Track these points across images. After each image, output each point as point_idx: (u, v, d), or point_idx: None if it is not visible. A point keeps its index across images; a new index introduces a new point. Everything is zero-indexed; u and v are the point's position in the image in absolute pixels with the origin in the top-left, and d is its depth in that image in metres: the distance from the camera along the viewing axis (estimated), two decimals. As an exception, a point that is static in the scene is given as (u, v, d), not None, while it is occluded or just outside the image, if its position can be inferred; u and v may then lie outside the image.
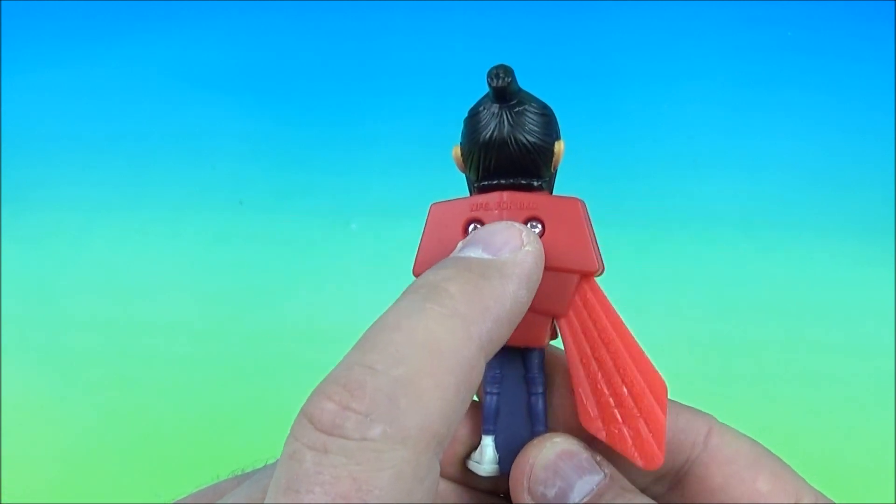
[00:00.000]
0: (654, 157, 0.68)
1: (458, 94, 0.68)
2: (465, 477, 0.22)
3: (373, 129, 0.71)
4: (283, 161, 0.72)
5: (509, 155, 0.21)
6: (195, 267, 0.69)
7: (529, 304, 0.19)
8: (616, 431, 0.20)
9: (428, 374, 0.15)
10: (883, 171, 0.66)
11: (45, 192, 0.72)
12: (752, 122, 0.69)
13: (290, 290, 0.67)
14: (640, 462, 0.19)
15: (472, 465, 0.21)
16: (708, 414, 0.22)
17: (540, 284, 0.20)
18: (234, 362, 0.65)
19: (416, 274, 0.22)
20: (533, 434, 0.21)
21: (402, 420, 0.15)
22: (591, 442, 0.21)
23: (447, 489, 0.22)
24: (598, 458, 0.20)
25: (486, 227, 0.20)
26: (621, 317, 0.21)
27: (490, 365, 0.22)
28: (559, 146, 0.21)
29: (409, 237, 0.23)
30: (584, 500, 0.19)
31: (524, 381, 0.21)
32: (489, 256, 0.18)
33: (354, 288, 0.66)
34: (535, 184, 0.21)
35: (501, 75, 0.20)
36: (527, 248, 0.19)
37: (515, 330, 0.21)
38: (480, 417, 0.22)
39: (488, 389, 0.22)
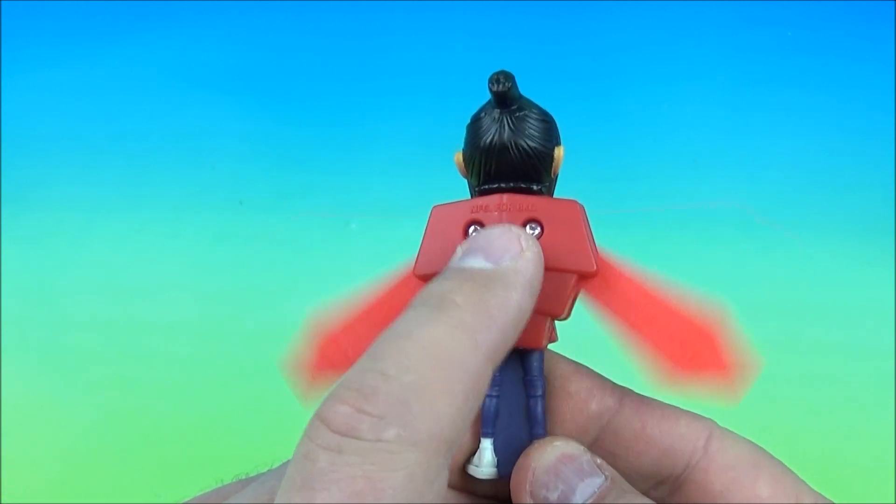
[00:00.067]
0: (654, 157, 0.68)
1: (458, 94, 0.68)
2: (464, 482, 0.22)
3: (373, 129, 0.71)
4: (283, 161, 0.72)
5: (510, 160, 0.21)
6: (195, 267, 0.69)
7: (532, 308, 0.19)
8: (701, 367, 0.20)
9: (438, 381, 0.16)
10: (883, 171, 0.66)
11: (45, 192, 0.72)
12: (752, 122, 0.69)
13: (290, 290, 0.67)
14: (731, 388, 0.19)
15: (471, 469, 0.21)
16: (708, 418, 0.22)
17: None
18: (234, 362, 0.65)
19: (417, 274, 0.22)
20: (532, 437, 0.21)
21: (415, 424, 0.15)
22: (590, 445, 0.21)
23: (447, 495, 0.22)
24: (599, 461, 0.20)
25: (484, 232, 0.20)
26: (638, 270, 0.21)
27: None
28: (559, 152, 0.22)
29: (409, 237, 0.23)
30: (587, 503, 0.19)
31: (523, 384, 0.21)
32: (490, 266, 0.19)
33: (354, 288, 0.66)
34: (535, 188, 0.22)
35: (502, 80, 0.20)
36: (526, 253, 0.19)
37: None
38: (479, 420, 0.22)
39: (487, 392, 0.22)
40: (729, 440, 0.21)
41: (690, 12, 0.72)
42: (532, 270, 0.19)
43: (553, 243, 0.21)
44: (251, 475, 0.22)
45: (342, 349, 0.23)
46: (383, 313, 0.22)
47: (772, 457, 0.21)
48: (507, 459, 0.21)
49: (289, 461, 0.16)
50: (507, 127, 0.21)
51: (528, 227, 0.21)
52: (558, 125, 0.22)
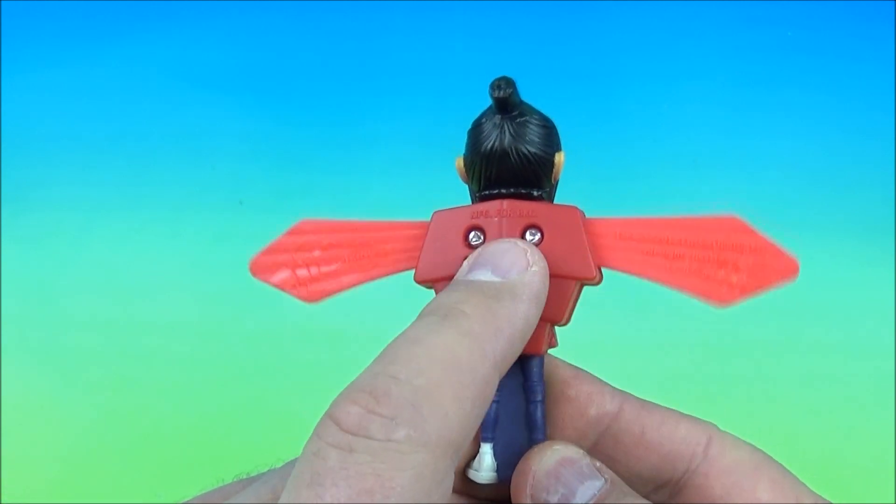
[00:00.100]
0: (654, 157, 0.68)
1: (458, 94, 0.68)
2: (464, 486, 0.22)
3: (373, 129, 0.71)
4: (283, 161, 0.72)
5: (510, 165, 0.21)
6: (195, 267, 0.69)
7: (538, 319, 0.20)
8: (742, 280, 0.20)
9: (448, 385, 0.16)
10: (883, 171, 0.66)
11: (45, 192, 0.72)
12: (752, 122, 0.69)
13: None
14: (783, 279, 0.19)
15: (471, 473, 0.21)
16: (708, 422, 0.22)
17: None
18: (234, 362, 0.65)
19: (418, 280, 0.22)
20: (532, 442, 0.21)
21: (425, 426, 0.16)
22: (590, 450, 0.21)
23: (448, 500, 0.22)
24: (599, 465, 0.20)
25: (492, 247, 0.20)
26: (638, 218, 0.21)
27: None
28: (559, 157, 0.22)
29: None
30: None
31: (523, 390, 0.22)
32: (499, 279, 0.19)
33: (354, 288, 0.66)
34: (536, 194, 0.22)
35: (503, 86, 0.20)
36: (533, 268, 0.20)
37: None
38: (479, 425, 0.22)
39: None
40: (729, 444, 0.21)
41: (690, 12, 0.72)
42: (538, 284, 0.19)
43: (553, 249, 0.21)
44: (252, 475, 0.22)
45: (311, 261, 0.23)
46: (368, 250, 0.23)
47: (772, 460, 0.21)
48: (507, 464, 0.21)
49: (292, 461, 0.16)
50: (507, 133, 0.21)
51: (528, 233, 0.21)
52: (559, 126, 0.22)
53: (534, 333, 0.20)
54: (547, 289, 0.20)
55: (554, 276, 0.21)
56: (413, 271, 0.22)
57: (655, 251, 0.21)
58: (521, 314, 0.19)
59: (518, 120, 0.21)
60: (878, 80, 0.68)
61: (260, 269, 0.24)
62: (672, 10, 0.72)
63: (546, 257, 0.20)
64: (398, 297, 0.23)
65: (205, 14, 0.77)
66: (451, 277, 0.21)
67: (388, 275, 0.23)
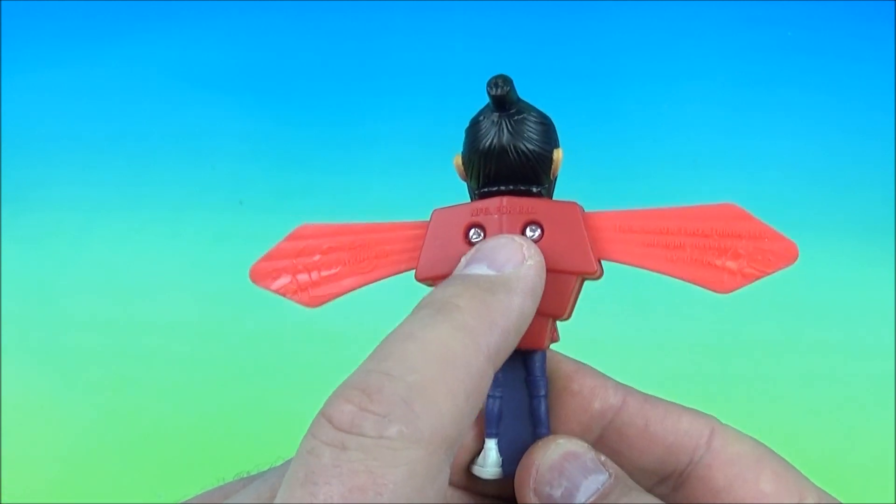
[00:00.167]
0: (654, 157, 0.68)
1: (458, 94, 0.68)
2: (469, 482, 0.22)
3: (373, 129, 0.71)
4: (283, 161, 0.72)
5: (509, 163, 0.21)
6: (195, 267, 0.69)
7: (534, 313, 0.19)
8: (743, 266, 0.20)
9: (441, 381, 0.16)
10: (883, 171, 0.66)
11: (45, 192, 0.72)
12: (752, 122, 0.69)
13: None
14: (782, 264, 0.20)
15: (476, 469, 0.21)
16: (710, 415, 0.22)
17: None
18: (234, 362, 0.65)
19: (419, 278, 0.22)
20: (536, 437, 0.21)
21: (417, 422, 0.16)
22: (594, 443, 0.21)
23: (452, 495, 0.22)
24: (603, 459, 0.20)
25: (489, 242, 0.20)
26: (636, 210, 0.21)
27: None
28: (558, 154, 0.22)
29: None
30: (590, 500, 0.19)
31: (526, 385, 0.22)
32: (494, 273, 0.19)
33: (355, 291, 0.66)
34: (535, 190, 0.22)
35: (500, 84, 0.20)
36: (529, 262, 0.20)
37: None
38: (483, 421, 0.22)
39: (490, 393, 0.22)
40: (731, 436, 0.21)
41: (690, 12, 0.72)
42: (534, 278, 0.19)
43: (553, 245, 0.21)
44: (253, 473, 0.23)
45: (311, 266, 0.23)
46: (368, 252, 0.23)
47: (774, 453, 0.21)
48: (512, 459, 0.21)
49: (291, 459, 0.16)
50: (505, 130, 0.21)
51: (528, 230, 0.21)
52: (558, 126, 0.22)
53: (535, 328, 0.21)
54: (543, 283, 0.20)
55: (555, 272, 0.21)
56: (414, 271, 0.22)
57: (655, 242, 0.21)
58: (516, 307, 0.19)
59: (516, 117, 0.21)
60: (878, 80, 0.68)
61: (260, 275, 0.24)
62: (672, 10, 0.72)
63: (546, 253, 0.21)
64: (399, 296, 0.23)
65: (205, 14, 0.77)
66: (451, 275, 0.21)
67: (388, 276, 0.23)
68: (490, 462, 0.21)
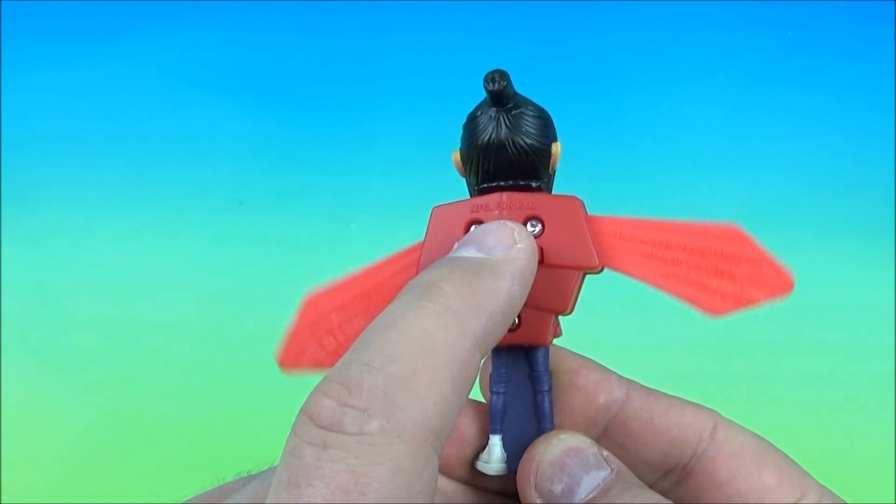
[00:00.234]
0: (654, 157, 0.68)
1: (457, 94, 0.68)
2: (474, 478, 0.22)
3: (373, 129, 0.71)
4: (283, 161, 0.72)
5: (508, 157, 0.21)
6: (195, 267, 0.69)
7: (524, 299, 0.19)
8: (737, 291, 0.20)
9: (423, 370, 0.16)
10: (883, 171, 0.66)
11: (45, 192, 0.72)
12: (752, 122, 0.69)
13: (290, 290, 0.67)
14: (776, 294, 0.20)
15: (481, 465, 0.21)
16: (712, 410, 0.22)
17: (542, 282, 0.20)
18: (234, 362, 0.65)
19: None
20: (540, 432, 0.21)
21: (399, 415, 0.15)
22: (598, 438, 0.21)
23: (457, 490, 0.22)
24: (605, 454, 0.20)
25: (480, 227, 0.20)
26: (641, 218, 0.21)
27: (495, 364, 0.22)
28: (556, 148, 0.22)
29: (409, 237, 0.23)
30: (591, 496, 0.19)
31: (530, 380, 0.22)
32: (482, 255, 0.19)
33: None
34: (534, 185, 0.22)
35: (497, 79, 0.20)
36: (519, 245, 0.19)
37: (519, 328, 0.21)
38: (487, 417, 0.22)
39: (494, 389, 0.22)
40: (734, 430, 0.21)
41: (690, 12, 0.72)
42: (524, 261, 0.19)
43: (554, 240, 0.21)
44: (252, 473, 0.23)
45: (332, 329, 0.23)
46: (380, 294, 0.22)
47: (777, 448, 0.21)
48: (516, 455, 0.21)
49: None
50: (503, 125, 0.21)
51: (528, 225, 0.21)
52: (558, 126, 0.22)
53: (538, 324, 0.20)
54: (534, 269, 0.19)
55: (556, 266, 0.21)
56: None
57: (654, 254, 0.21)
58: (504, 291, 0.18)
59: (513, 112, 0.21)
60: (878, 80, 0.68)
61: (288, 360, 0.23)
62: (672, 10, 0.72)
63: (547, 248, 0.20)
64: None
65: (205, 14, 0.77)
66: None
67: None
68: (495, 458, 0.21)
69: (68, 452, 0.63)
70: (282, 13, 0.75)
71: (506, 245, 0.19)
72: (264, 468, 0.22)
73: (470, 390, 0.17)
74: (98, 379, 0.66)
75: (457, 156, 0.22)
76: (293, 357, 0.23)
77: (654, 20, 0.72)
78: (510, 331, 0.21)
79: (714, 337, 0.62)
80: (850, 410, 0.60)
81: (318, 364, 0.23)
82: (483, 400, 0.22)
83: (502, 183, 0.22)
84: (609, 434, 0.22)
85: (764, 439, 0.21)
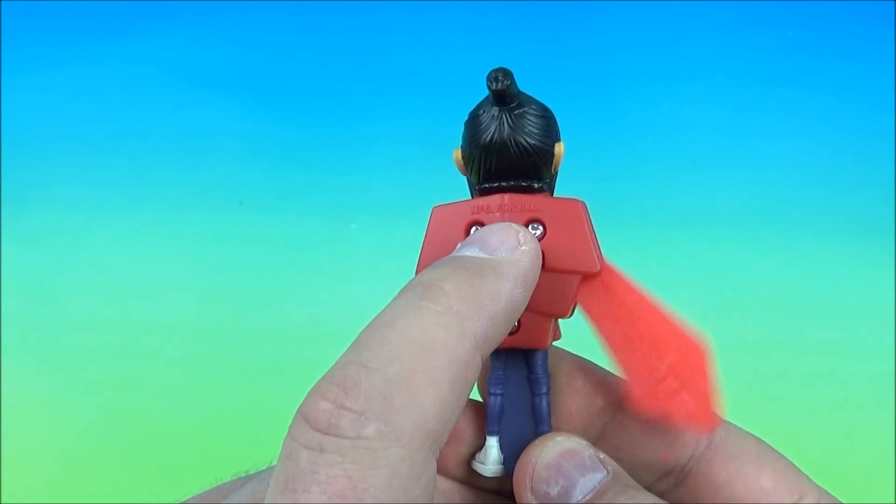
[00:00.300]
0: (654, 157, 0.68)
1: (458, 94, 0.68)
2: (470, 478, 0.22)
3: (373, 129, 0.71)
4: (283, 161, 0.72)
5: (510, 157, 0.21)
6: (195, 267, 0.69)
7: (526, 302, 0.19)
8: (668, 406, 0.20)
9: (422, 371, 0.15)
10: (883, 171, 0.66)
11: (45, 192, 0.72)
12: (752, 122, 0.69)
13: (289, 290, 0.67)
14: (698, 429, 0.19)
15: (477, 466, 0.21)
16: None
17: (542, 286, 0.20)
18: (234, 362, 0.65)
19: None
20: (537, 434, 0.21)
21: (397, 418, 0.15)
22: (596, 440, 0.21)
23: (453, 490, 0.22)
24: (602, 456, 0.20)
25: (484, 228, 0.20)
26: (643, 288, 0.21)
27: (494, 366, 0.22)
28: (559, 148, 0.22)
29: (409, 237, 0.23)
30: (587, 498, 0.19)
31: (528, 382, 0.22)
32: (485, 255, 0.19)
33: (354, 288, 0.66)
34: (536, 186, 0.22)
35: (500, 78, 0.20)
36: (523, 247, 0.19)
37: (519, 331, 0.21)
38: (485, 418, 0.22)
39: (492, 390, 0.22)
40: (733, 432, 0.21)
41: (690, 12, 0.72)
42: (527, 264, 0.19)
43: (556, 244, 0.21)
44: (251, 473, 0.22)
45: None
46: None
47: (775, 450, 0.21)
48: (513, 457, 0.21)
49: None
50: (506, 124, 0.21)
51: (530, 228, 0.21)
52: (559, 126, 0.22)
53: (539, 328, 0.20)
54: (537, 271, 0.19)
55: (557, 271, 0.20)
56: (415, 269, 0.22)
57: (621, 321, 0.20)
58: (507, 292, 0.18)
59: (516, 111, 0.21)
60: (878, 80, 0.68)
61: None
62: (672, 10, 0.72)
63: (549, 251, 0.20)
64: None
65: (205, 14, 0.77)
66: None
67: None
68: (491, 460, 0.21)
69: (68, 452, 0.63)
70: (282, 13, 0.75)
71: (510, 246, 0.19)
72: (263, 468, 0.22)
73: (469, 392, 0.17)
74: (98, 379, 0.66)
75: (458, 154, 0.22)
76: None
77: (654, 20, 0.72)
78: (510, 334, 0.21)
79: (714, 337, 0.62)
80: (850, 410, 0.60)
81: None
82: (481, 400, 0.22)
83: (504, 183, 0.21)
84: (606, 436, 0.22)
85: (762, 441, 0.21)
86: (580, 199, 0.21)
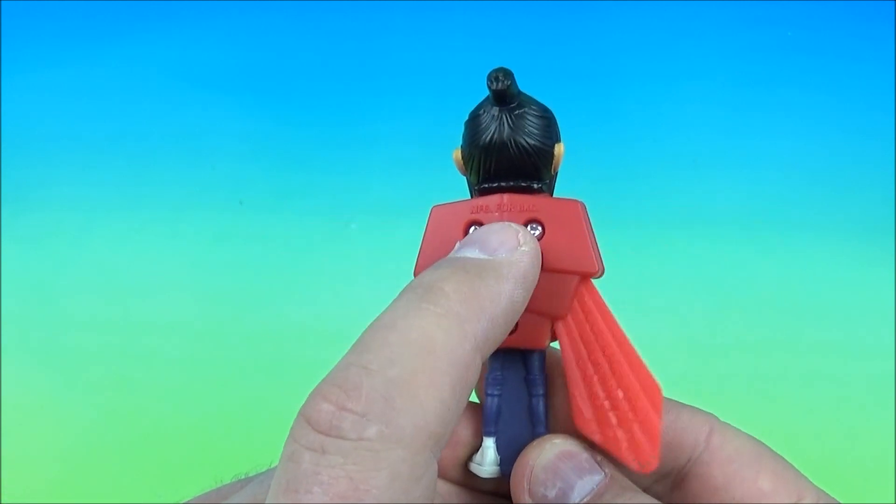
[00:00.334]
0: (654, 157, 0.68)
1: (458, 94, 0.68)
2: (467, 479, 0.22)
3: (373, 129, 0.71)
4: (283, 161, 0.72)
5: (509, 158, 0.21)
6: (195, 267, 0.69)
7: (526, 303, 0.19)
8: (611, 434, 0.20)
9: (423, 373, 0.15)
10: (883, 171, 0.66)
11: (45, 192, 0.72)
12: (752, 122, 0.69)
13: (290, 290, 0.67)
14: (634, 466, 0.19)
15: (474, 467, 0.21)
16: (709, 413, 0.22)
17: (540, 286, 0.20)
18: (234, 362, 0.65)
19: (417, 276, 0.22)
20: (534, 436, 0.21)
21: (398, 420, 0.15)
22: (589, 443, 0.21)
23: (450, 491, 0.22)
24: (599, 458, 0.20)
25: (484, 227, 0.20)
26: (617, 319, 0.21)
27: (491, 367, 0.22)
28: (559, 149, 0.21)
29: (409, 237, 0.23)
30: (585, 500, 0.19)
31: (525, 383, 0.22)
32: (485, 256, 0.18)
33: (354, 288, 0.66)
34: (536, 186, 0.22)
35: (501, 78, 0.20)
36: (523, 248, 0.19)
37: (516, 332, 0.21)
38: (482, 419, 0.22)
39: (489, 391, 0.22)
40: (731, 434, 0.21)
41: (690, 12, 0.72)
42: (527, 264, 0.19)
43: (554, 244, 0.21)
44: (250, 475, 0.22)
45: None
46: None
47: (773, 451, 0.21)
48: (510, 458, 0.21)
49: None
50: (506, 125, 0.21)
51: (528, 228, 0.21)
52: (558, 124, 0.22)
53: (536, 329, 0.20)
54: (537, 272, 0.19)
55: (555, 271, 0.20)
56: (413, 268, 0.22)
57: (588, 341, 0.20)
58: (507, 293, 0.18)
59: (516, 111, 0.21)
60: (878, 80, 0.68)
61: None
62: (672, 10, 0.72)
63: (547, 252, 0.20)
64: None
65: (205, 14, 0.76)
66: None
67: None
68: (488, 461, 0.21)
69: (68, 452, 0.63)
70: (282, 13, 0.75)
71: (509, 247, 0.19)
72: (262, 470, 0.22)
73: (469, 394, 0.17)
74: (98, 379, 0.66)
75: (458, 154, 0.22)
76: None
77: (654, 20, 0.72)
78: (508, 334, 0.21)
79: (714, 337, 0.62)
80: (850, 410, 0.60)
81: None
82: (478, 401, 0.22)
83: (503, 183, 0.21)
84: None
85: (761, 443, 0.21)
86: (579, 199, 0.21)
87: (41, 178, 0.72)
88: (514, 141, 0.21)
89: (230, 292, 0.67)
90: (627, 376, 0.20)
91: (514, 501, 0.20)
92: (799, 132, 0.68)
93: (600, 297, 0.21)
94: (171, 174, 0.72)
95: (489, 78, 0.20)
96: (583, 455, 0.20)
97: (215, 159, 0.72)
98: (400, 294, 0.17)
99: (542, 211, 0.21)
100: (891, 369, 0.60)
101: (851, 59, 0.70)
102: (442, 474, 0.22)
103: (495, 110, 0.21)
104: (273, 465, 0.21)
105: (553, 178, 0.22)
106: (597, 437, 0.20)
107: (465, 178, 0.23)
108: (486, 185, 0.22)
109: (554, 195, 0.23)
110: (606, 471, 0.19)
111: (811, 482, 0.20)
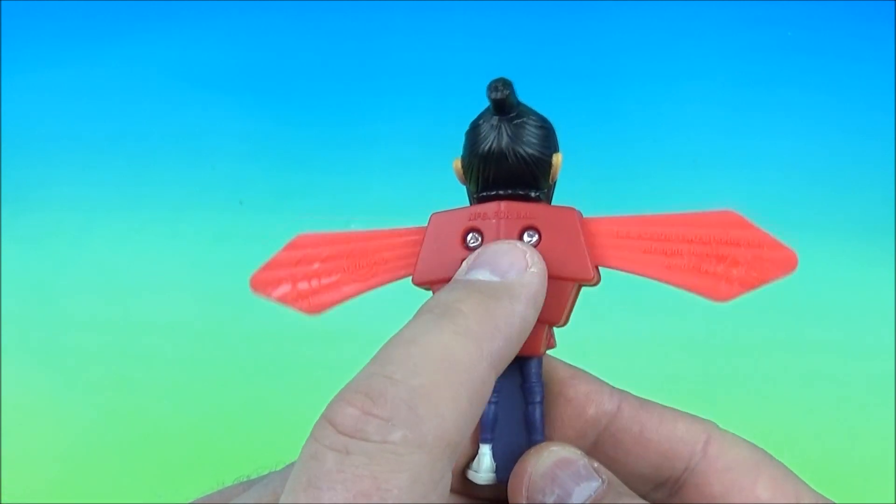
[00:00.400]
0: (654, 157, 0.68)
1: (458, 94, 0.68)
2: (464, 486, 0.22)
3: (373, 129, 0.71)
4: (283, 161, 0.72)
5: (508, 167, 0.21)
6: (195, 267, 0.69)
7: (535, 321, 0.20)
8: (742, 274, 0.20)
9: (444, 385, 0.16)
10: (883, 171, 0.66)
11: (45, 192, 0.72)
12: (752, 122, 0.69)
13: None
14: (781, 273, 0.19)
15: (470, 474, 0.21)
16: (708, 420, 0.22)
17: None
18: (234, 362, 0.65)
19: (416, 282, 0.22)
20: (530, 443, 0.21)
21: (421, 427, 0.16)
22: (589, 450, 0.21)
23: (448, 501, 0.22)
24: (596, 465, 0.20)
25: (491, 247, 0.20)
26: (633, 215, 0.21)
27: None
28: (557, 158, 0.22)
29: (408, 237, 0.23)
30: None
31: (522, 391, 0.22)
32: (497, 279, 0.19)
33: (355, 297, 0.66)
34: (534, 195, 0.22)
35: (500, 88, 0.20)
36: (532, 269, 0.20)
37: None
38: (478, 426, 0.22)
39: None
40: (728, 442, 0.21)
41: (690, 12, 0.72)
42: (537, 285, 0.20)
43: (550, 251, 0.21)
44: (253, 477, 0.23)
45: (310, 275, 0.23)
46: (364, 260, 0.23)
47: (772, 458, 0.21)
48: (506, 465, 0.21)
49: (292, 463, 0.16)
50: (505, 134, 0.21)
51: (525, 235, 0.21)
52: (557, 126, 0.22)
53: (532, 335, 0.20)
54: (545, 290, 0.20)
55: (551, 278, 0.21)
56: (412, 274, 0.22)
57: (653, 248, 0.21)
58: (519, 314, 0.19)
59: (516, 121, 0.21)
60: (878, 80, 0.68)
61: (260, 284, 0.24)
62: (672, 10, 0.72)
63: (544, 259, 0.20)
64: (398, 297, 0.23)
65: (205, 14, 0.77)
66: (449, 279, 0.21)
67: (387, 282, 0.23)
68: (484, 468, 0.21)
69: (68, 452, 0.63)
70: (282, 13, 0.75)
71: (519, 268, 0.20)
72: (264, 471, 0.22)
73: (483, 408, 0.18)
74: (98, 379, 0.66)
75: (458, 164, 0.22)
76: (265, 284, 0.24)
77: (654, 20, 0.72)
78: None
79: (713, 337, 0.62)
80: (850, 410, 0.60)
81: (284, 300, 0.24)
82: None
83: (501, 191, 0.22)
84: (599, 446, 0.22)
85: (760, 450, 0.21)
86: (575, 207, 0.22)
87: (41, 178, 0.72)
88: (513, 150, 0.21)
89: (230, 292, 0.67)
90: (703, 234, 0.20)
91: None
92: (799, 132, 0.68)
93: (610, 219, 0.21)
94: (171, 174, 0.72)
95: (489, 88, 0.20)
96: (580, 462, 0.20)
97: (215, 159, 0.72)
98: (418, 313, 0.18)
99: (539, 218, 0.21)
100: (891, 369, 0.60)
101: (851, 59, 0.70)
102: None
103: (495, 120, 0.21)
104: (274, 468, 0.22)
105: (551, 188, 0.23)
106: (736, 290, 0.20)
107: (465, 187, 0.23)
108: (485, 194, 0.22)
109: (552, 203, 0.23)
110: (604, 477, 0.20)
111: (810, 487, 0.20)
